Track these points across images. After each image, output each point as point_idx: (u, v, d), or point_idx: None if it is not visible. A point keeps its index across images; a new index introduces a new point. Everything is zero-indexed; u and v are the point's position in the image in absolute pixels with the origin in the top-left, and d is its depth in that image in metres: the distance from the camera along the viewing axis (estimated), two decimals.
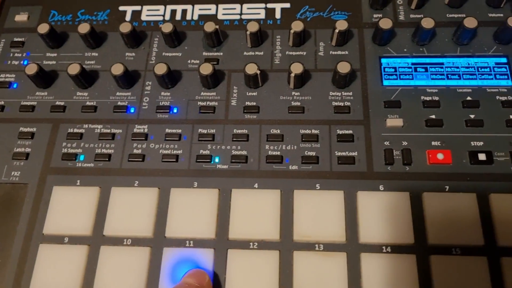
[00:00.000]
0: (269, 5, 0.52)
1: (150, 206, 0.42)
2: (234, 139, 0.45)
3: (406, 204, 0.41)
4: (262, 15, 0.51)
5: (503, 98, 0.44)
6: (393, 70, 0.47)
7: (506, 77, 0.45)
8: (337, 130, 0.44)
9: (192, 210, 0.42)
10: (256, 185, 0.42)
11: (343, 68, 0.44)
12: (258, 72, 0.45)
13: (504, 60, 0.46)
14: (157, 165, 0.44)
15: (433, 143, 0.43)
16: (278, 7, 0.51)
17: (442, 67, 0.46)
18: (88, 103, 0.48)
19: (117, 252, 0.41)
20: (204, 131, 0.45)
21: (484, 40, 0.47)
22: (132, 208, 0.42)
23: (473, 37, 0.47)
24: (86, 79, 0.48)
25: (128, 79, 0.48)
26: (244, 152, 0.44)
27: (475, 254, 0.38)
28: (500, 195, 0.40)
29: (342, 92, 0.46)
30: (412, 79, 0.46)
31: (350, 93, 0.46)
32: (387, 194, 0.41)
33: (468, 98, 0.45)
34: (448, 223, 0.40)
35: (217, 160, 0.44)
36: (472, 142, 0.43)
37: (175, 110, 0.47)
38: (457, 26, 0.46)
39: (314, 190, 0.42)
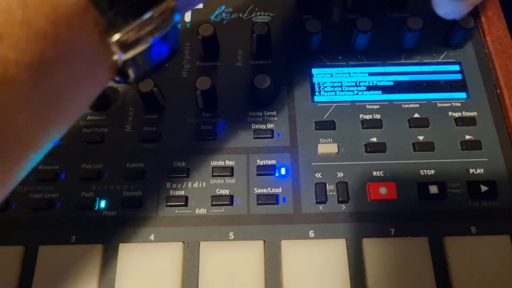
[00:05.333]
0: None
1: None
2: (127, 177, 0.35)
3: (341, 254, 0.32)
4: None
5: (457, 114, 0.37)
6: (326, 82, 0.38)
7: (460, 88, 0.38)
8: (257, 161, 0.35)
9: (64, 271, 0.32)
10: (152, 237, 0.33)
11: (261, 82, 0.35)
12: (155, 89, 0.35)
13: (456, 67, 0.39)
14: (25, 215, 0.34)
15: (374, 173, 0.35)
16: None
17: (384, 78, 0.38)
18: None
19: None
20: (88, 167, 0.35)
21: (432, 44, 0.40)
22: None
23: (419, 41, 0.39)
24: None
25: None
26: (138, 193, 0.34)
27: None
28: (457, 238, 0.32)
29: (264, 112, 0.37)
30: (349, 93, 0.38)
31: (274, 113, 0.37)
32: (318, 243, 0.32)
33: (416, 115, 0.37)
34: (394, 276, 0.31)
35: (103, 204, 0.34)
36: (421, 171, 0.34)
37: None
38: (400, 28, 0.38)
39: (226, 241, 0.32)
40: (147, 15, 0.19)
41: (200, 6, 0.42)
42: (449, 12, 0.34)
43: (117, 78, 0.21)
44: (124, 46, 0.19)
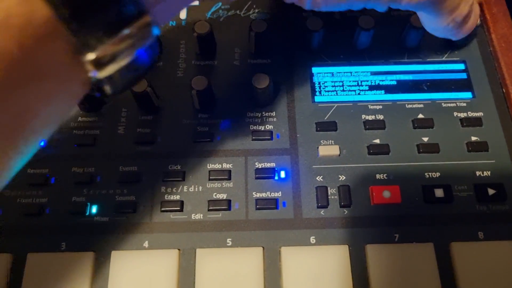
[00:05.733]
0: None
1: None
2: (120, 181, 0.33)
3: (344, 261, 0.31)
4: None
5: (462, 115, 0.35)
6: (327, 82, 0.37)
7: (465, 87, 0.37)
8: (256, 163, 0.34)
9: (54, 280, 0.30)
10: (145, 244, 0.31)
11: (259, 81, 0.34)
12: (149, 89, 0.34)
13: (461, 66, 0.37)
14: (13, 221, 0.32)
15: (377, 176, 0.33)
16: None
17: (387, 77, 0.37)
18: None
19: None
20: (79, 170, 0.34)
21: (436, 42, 0.38)
22: None
23: (423, 39, 0.38)
24: None
25: None
26: (132, 198, 0.33)
27: None
28: (464, 243, 0.31)
29: (263, 113, 0.36)
30: (351, 93, 0.36)
31: (273, 113, 0.36)
32: (319, 249, 0.31)
33: (420, 115, 0.35)
34: (399, 284, 0.30)
35: (94, 210, 0.32)
36: (426, 174, 0.33)
37: (41, 143, 0.35)
38: (403, 26, 0.37)
39: (224, 248, 0.31)
40: (123, 33, 0.18)
41: (196, 3, 0.40)
42: (436, 30, 0.34)
43: (94, 92, 0.20)
44: (100, 64, 0.18)
